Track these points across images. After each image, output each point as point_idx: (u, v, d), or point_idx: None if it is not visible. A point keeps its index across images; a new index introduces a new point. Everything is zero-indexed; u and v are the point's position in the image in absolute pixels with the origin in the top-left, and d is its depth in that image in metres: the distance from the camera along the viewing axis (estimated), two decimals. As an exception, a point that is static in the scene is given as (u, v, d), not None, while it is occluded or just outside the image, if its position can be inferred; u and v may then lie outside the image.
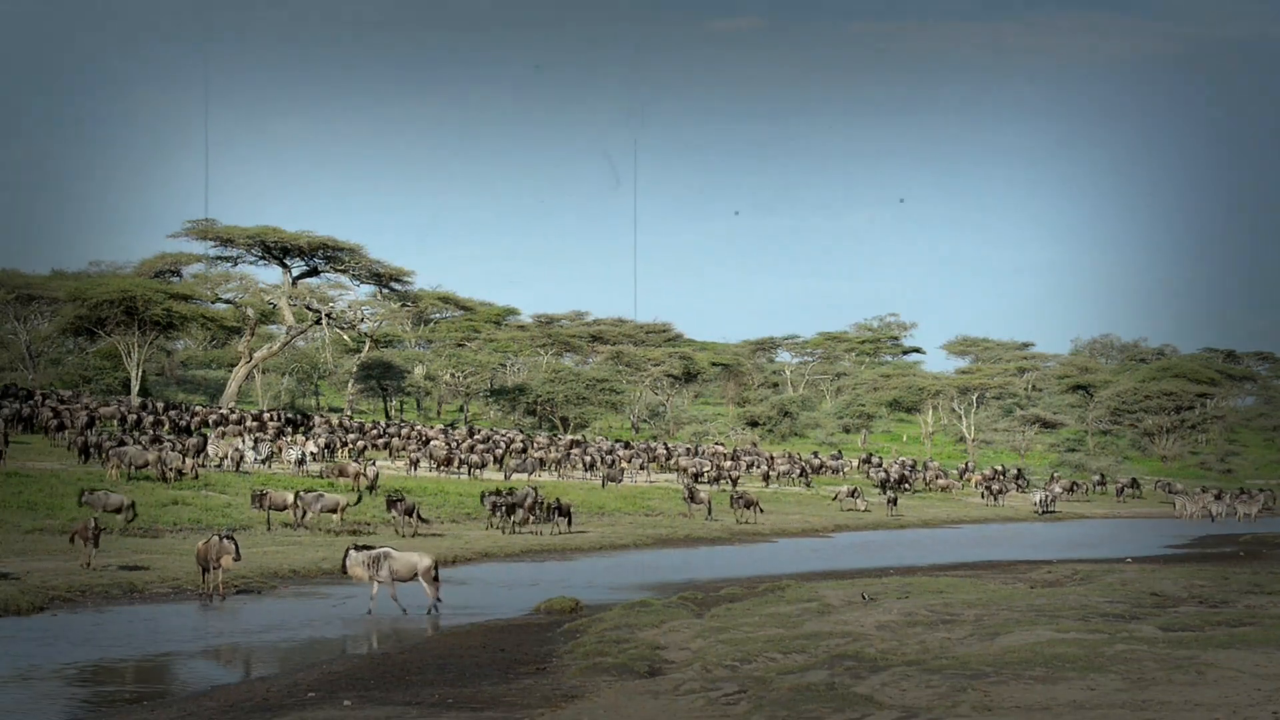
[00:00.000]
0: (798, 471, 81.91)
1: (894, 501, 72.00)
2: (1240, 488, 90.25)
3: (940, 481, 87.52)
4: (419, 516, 47.08)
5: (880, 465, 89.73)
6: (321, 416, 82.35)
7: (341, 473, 55.54)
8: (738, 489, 65.40)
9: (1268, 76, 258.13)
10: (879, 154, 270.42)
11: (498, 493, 51.63)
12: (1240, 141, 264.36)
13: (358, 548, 31.05)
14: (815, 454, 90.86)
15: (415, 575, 30.44)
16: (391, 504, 46.93)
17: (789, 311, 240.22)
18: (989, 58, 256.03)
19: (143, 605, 30.25)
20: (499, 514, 50.10)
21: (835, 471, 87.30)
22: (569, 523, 51.07)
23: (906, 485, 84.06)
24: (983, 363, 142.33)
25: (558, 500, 51.70)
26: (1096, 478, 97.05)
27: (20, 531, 38.52)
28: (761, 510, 60.72)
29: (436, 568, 30.87)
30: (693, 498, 60.78)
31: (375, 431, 75.98)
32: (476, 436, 79.21)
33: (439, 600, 30.46)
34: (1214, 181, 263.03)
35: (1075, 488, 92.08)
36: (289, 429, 72.13)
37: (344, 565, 30.96)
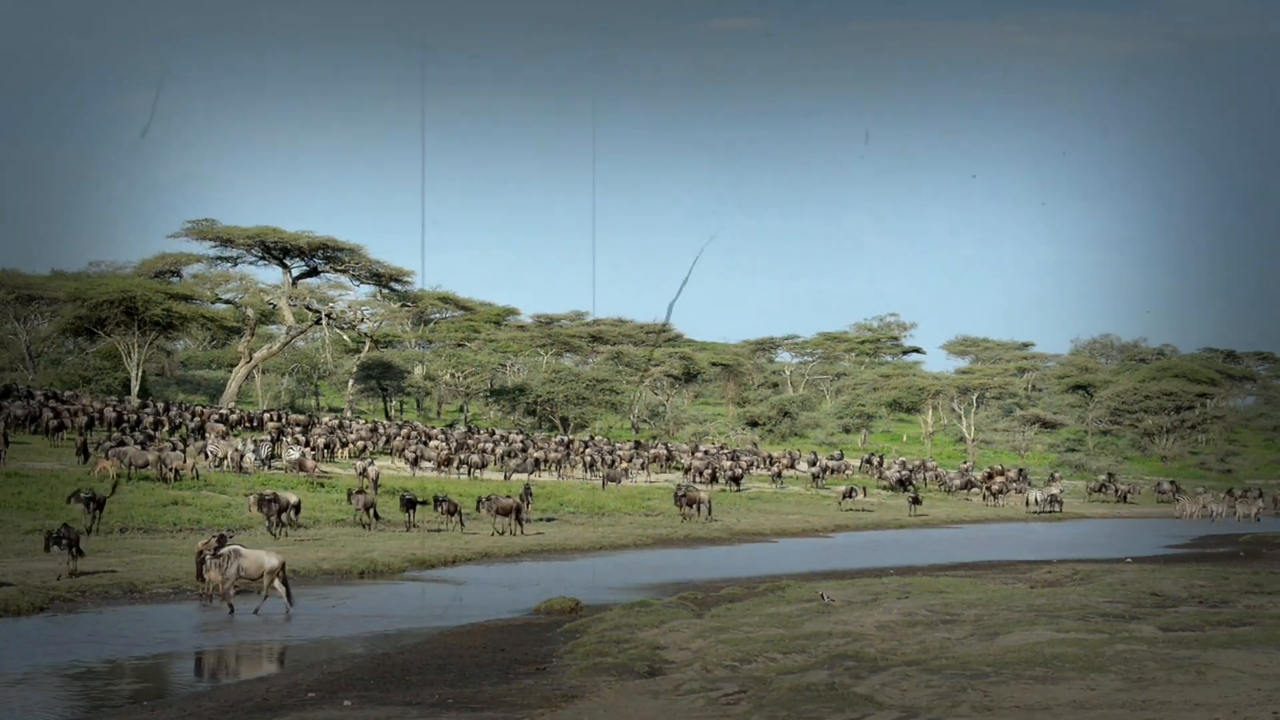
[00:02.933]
0: (816, 470, 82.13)
1: (916, 501, 72.77)
2: (1260, 490, 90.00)
3: (996, 482, 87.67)
4: (292, 519, 44.06)
5: (897, 466, 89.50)
6: (335, 418, 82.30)
7: (301, 467, 55.98)
8: (685, 490, 63.78)
9: (1268, 76, 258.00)
10: (879, 154, 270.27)
11: (361, 491, 49.15)
12: (1240, 141, 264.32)
13: (215, 554, 30.13)
14: (814, 454, 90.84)
15: (263, 574, 29.82)
16: (263, 503, 43.84)
17: (789, 311, 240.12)
18: (989, 58, 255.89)
19: (143, 605, 30.26)
20: (369, 512, 47.80)
21: (837, 471, 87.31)
22: (520, 523, 49.58)
23: (975, 487, 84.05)
24: (983, 363, 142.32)
25: (496, 497, 50.34)
26: (1124, 485, 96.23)
27: (20, 532, 38.50)
28: (709, 511, 59.31)
29: (284, 567, 30.22)
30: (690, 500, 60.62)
31: (380, 432, 75.92)
32: (476, 436, 79.14)
33: (290, 603, 29.87)
34: (1214, 181, 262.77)
35: (1105, 488, 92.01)
36: (289, 429, 72.01)
37: (199, 572, 30.11)
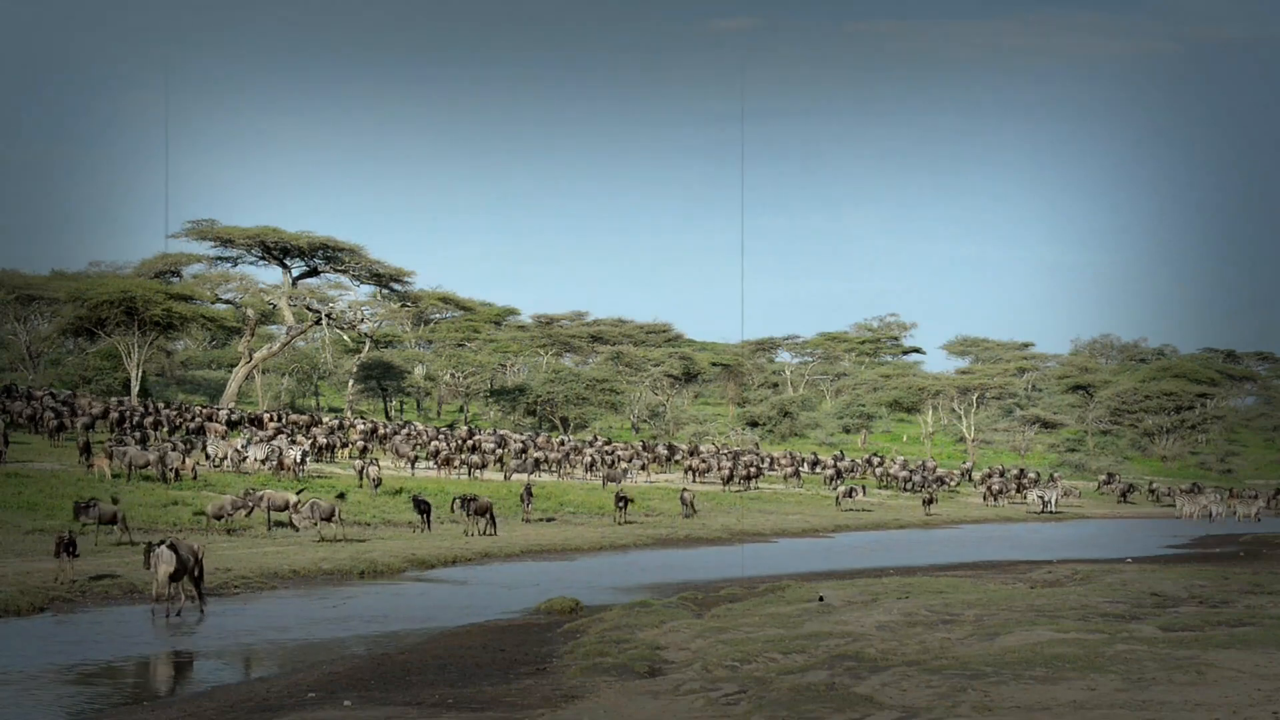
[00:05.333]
0: (832, 472, 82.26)
1: (931, 500, 73.25)
2: (1277, 490, 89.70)
3: (1026, 479, 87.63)
4: (123, 524, 40.04)
5: (898, 466, 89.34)
6: (340, 418, 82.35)
7: (281, 466, 56.04)
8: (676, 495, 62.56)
9: (1268, 76, 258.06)
10: (879, 154, 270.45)
11: (246, 493, 45.41)
12: (1240, 141, 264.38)
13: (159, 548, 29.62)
14: (814, 454, 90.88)
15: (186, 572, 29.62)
16: (80, 510, 39.90)
17: (789, 312, 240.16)
18: (989, 58, 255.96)
19: (143, 605, 30.22)
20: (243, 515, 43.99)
21: (853, 472, 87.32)
22: (494, 525, 48.69)
23: (1051, 488, 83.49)
24: (983, 363, 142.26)
25: (473, 497, 49.35)
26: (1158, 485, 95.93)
27: (20, 532, 38.51)
28: (693, 509, 59.41)
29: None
30: (683, 502, 60.55)
31: (383, 433, 76.04)
32: (478, 437, 79.14)
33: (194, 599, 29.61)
34: (1214, 181, 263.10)
35: (1131, 491, 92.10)
36: (290, 429, 72.00)
37: (146, 563, 29.91)
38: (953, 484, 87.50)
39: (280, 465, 56.09)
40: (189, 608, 29.52)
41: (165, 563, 29.08)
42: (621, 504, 57.09)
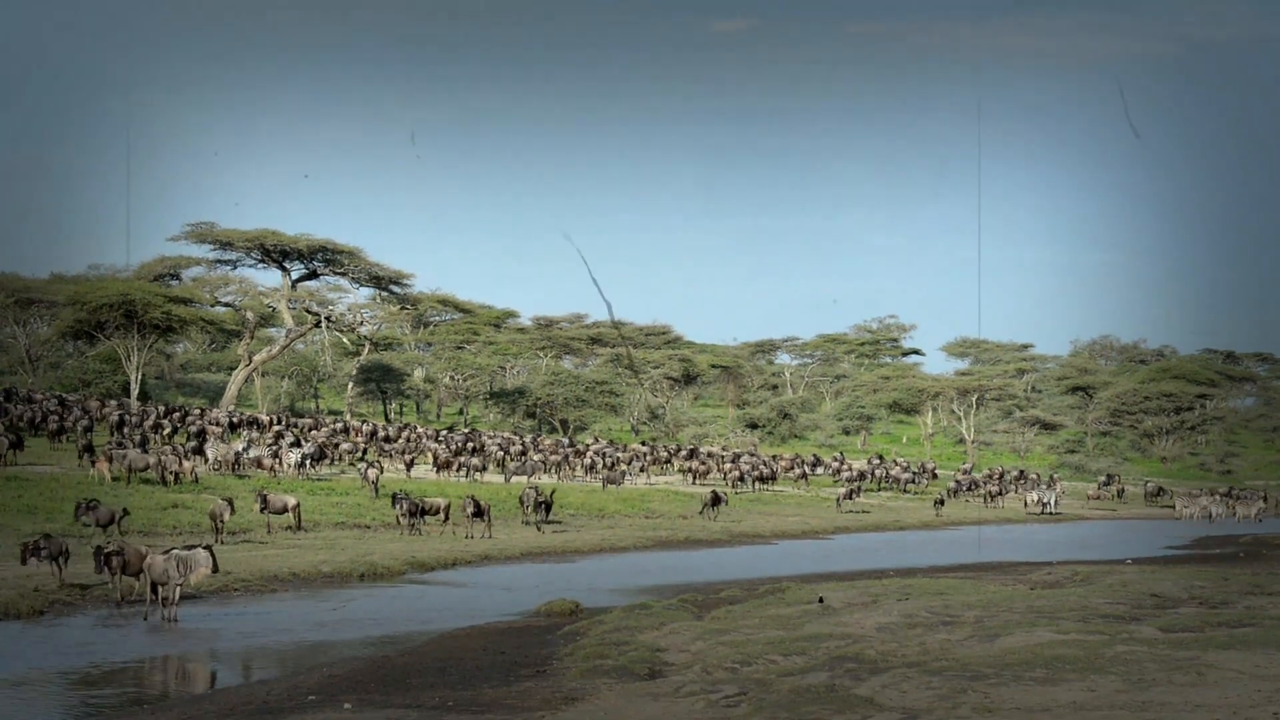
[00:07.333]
0: (853, 474, 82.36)
1: (940, 502, 73.59)
2: None
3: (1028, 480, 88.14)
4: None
5: (899, 468, 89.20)
6: (344, 422, 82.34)
7: (259, 464, 56.01)
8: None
9: (1268, 77, 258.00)
10: (878, 154, 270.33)
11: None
12: (1240, 142, 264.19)
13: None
14: (815, 456, 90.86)
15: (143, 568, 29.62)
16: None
17: (788, 313, 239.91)
18: (989, 58, 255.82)
19: (141, 608, 30.20)
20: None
21: (869, 475, 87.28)
22: (486, 523, 48.17)
23: (1050, 489, 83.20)
24: (982, 364, 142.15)
25: (473, 499, 48.57)
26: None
27: (20, 535, 38.41)
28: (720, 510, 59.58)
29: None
30: (715, 502, 60.60)
31: (383, 435, 76.08)
32: (478, 439, 79.14)
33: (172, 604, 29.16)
34: (1214, 182, 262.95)
35: (1161, 492, 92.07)
36: (293, 433, 71.96)
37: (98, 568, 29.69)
38: (984, 491, 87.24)
39: (259, 464, 55.96)
40: (134, 612, 29.46)
41: (204, 565, 29.23)
42: (539, 507, 52.26)
